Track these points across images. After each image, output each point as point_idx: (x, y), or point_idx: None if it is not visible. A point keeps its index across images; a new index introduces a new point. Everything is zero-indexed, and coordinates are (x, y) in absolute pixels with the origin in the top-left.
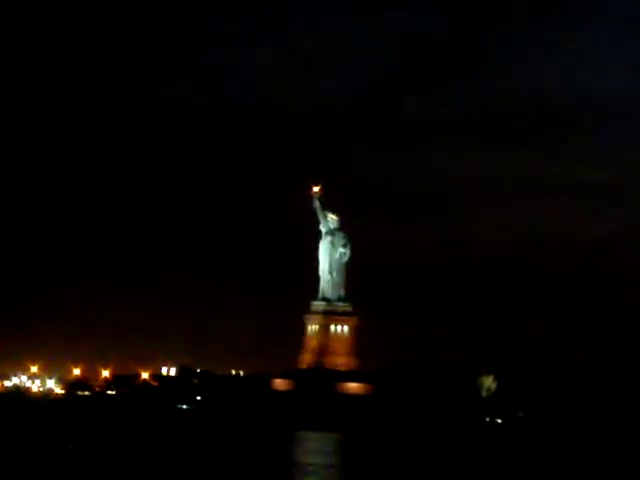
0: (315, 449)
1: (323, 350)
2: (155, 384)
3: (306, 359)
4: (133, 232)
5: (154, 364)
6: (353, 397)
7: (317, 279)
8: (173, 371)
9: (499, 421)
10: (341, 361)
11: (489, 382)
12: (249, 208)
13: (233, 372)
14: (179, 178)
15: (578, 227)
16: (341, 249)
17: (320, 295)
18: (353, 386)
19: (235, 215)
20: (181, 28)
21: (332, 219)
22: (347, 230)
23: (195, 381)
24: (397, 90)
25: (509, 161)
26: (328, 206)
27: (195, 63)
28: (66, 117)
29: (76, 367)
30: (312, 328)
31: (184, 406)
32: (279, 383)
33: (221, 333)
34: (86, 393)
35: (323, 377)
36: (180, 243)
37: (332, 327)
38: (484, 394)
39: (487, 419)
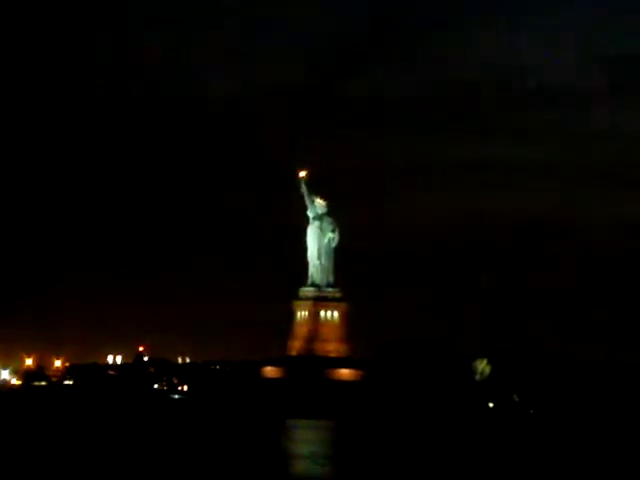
0: (308, 438)
1: (313, 337)
2: (113, 373)
3: (296, 346)
4: (94, 218)
5: (100, 353)
6: (344, 383)
7: (305, 265)
8: (119, 359)
9: (491, 405)
10: (331, 347)
11: (483, 366)
12: (232, 194)
13: (180, 360)
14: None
15: (578, 209)
16: (330, 234)
17: (309, 281)
18: (344, 372)
19: (218, 200)
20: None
21: (320, 204)
22: (335, 215)
23: (152, 369)
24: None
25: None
26: (315, 191)
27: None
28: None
29: (29, 357)
30: (301, 314)
31: (176, 396)
32: (269, 371)
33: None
34: (43, 383)
35: (313, 364)
36: (157, 227)
37: (322, 313)
38: (478, 378)
39: (484, 404)
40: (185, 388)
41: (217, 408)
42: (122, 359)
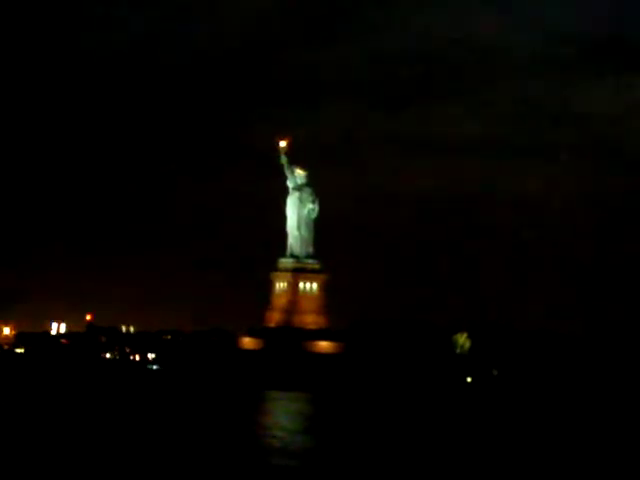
0: (285, 410)
1: (292, 308)
2: (65, 342)
3: (274, 317)
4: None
5: (44, 321)
6: (323, 356)
7: (284, 235)
8: (63, 327)
9: (469, 380)
10: (310, 319)
11: (463, 339)
12: (206, 163)
13: (124, 328)
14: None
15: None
16: (310, 205)
17: (288, 252)
18: (323, 345)
19: (188, 169)
20: None
21: (299, 174)
22: (315, 185)
23: (103, 338)
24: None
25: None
26: (295, 161)
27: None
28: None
29: None
30: (280, 286)
31: (154, 367)
32: (247, 342)
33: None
34: None
35: (292, 336)
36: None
37: (301, 285)
38: (458, 351)
39: (463, 378)
40: (137, 357)
41: (195, 379)
42: (66, 327)
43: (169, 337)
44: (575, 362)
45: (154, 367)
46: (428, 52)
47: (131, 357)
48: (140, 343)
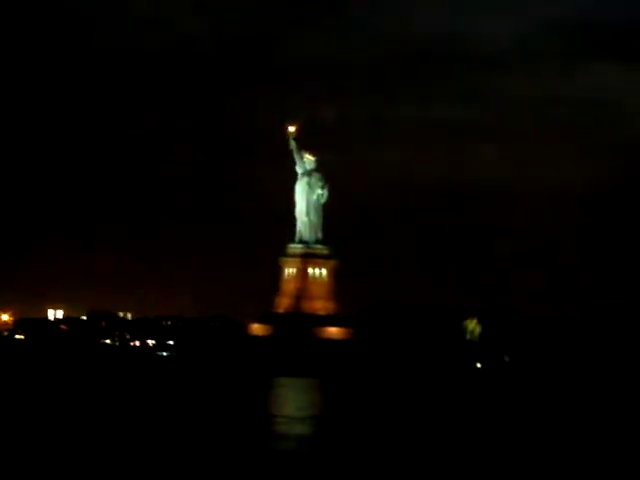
0: (294, 396)
1: (301, 294)
2: (65, 327)
3: (283, 303)
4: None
5: (40, 307)
6: (332, 342)
7: (293, 221)
8: (60, 314)
9: (478, 365)
10: (319, 305)
11: (473, 325)
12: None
13: (121, 314)
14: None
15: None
16: (319, 190)
17: (297, 238)
18: (332, 330)
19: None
20: None
21: (309, 160)
22: (324, 170)
23: (103, 323)
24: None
25: None
26: (305, 146)
27: None
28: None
29: None
30: (289, 271)
31: (164, 353)
32: (256, 328)
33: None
34: None
35: (301, 321)
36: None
37: (310, 270)
38: (468, 337)
39: (473, 364)
40: (137, 343)
41: (205, 366)
42: (64, 313)
43: (169, 323)
44: (586, 348)
45: (164, 354)
46: (428, 51)
47: (131, 343)
48: (140, 329)
